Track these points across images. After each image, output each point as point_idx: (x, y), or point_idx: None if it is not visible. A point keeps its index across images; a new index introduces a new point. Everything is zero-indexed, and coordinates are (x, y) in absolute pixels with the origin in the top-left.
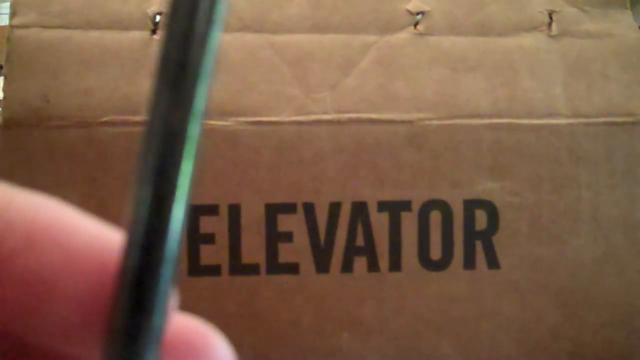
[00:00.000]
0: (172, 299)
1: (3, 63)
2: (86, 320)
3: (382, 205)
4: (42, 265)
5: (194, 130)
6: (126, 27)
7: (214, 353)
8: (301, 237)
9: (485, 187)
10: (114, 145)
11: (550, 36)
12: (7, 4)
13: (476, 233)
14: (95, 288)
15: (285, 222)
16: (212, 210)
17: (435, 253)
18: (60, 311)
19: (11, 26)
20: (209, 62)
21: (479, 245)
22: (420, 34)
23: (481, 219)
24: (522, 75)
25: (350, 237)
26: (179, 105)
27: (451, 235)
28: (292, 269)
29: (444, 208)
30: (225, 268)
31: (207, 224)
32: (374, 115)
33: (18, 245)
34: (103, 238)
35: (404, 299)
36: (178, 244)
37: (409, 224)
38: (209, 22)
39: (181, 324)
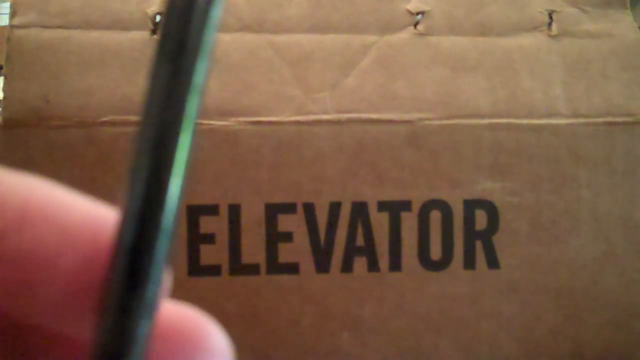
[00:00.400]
0: (167, 275)
1: (3, 63)
2: (80, 298)
3: (382, 205)
4: (35, 244)
5: (192, 104)
6: (126, 27)
7: (210, 342)
8: (301, 237)
9: (485, 187)
10: (114, 145)
11: (550, 36)
12: (7, 4)
13: (476, 233)
14: (90, 265)
15: (285, 222)
16: (212, 210)
17: (435, 253)
18: (54, 289)
19: (11, 26)
20: (209, 37)
21: (479, 245)
22: (420, 34)
23: (481, 219)
24: (522, 75)
25: (350, 237)
26: (178, 78)
27: (451, 235)
28: (292, 269)
29: (444, 208)
30: (225, 268)
31: (207, 224)
32: (374, 115)
33: (10, 224)
34: (97, 215)
35: (404, 299)
36: (175, 216)
37: (409, 224)
38: None
39: (176, 313)
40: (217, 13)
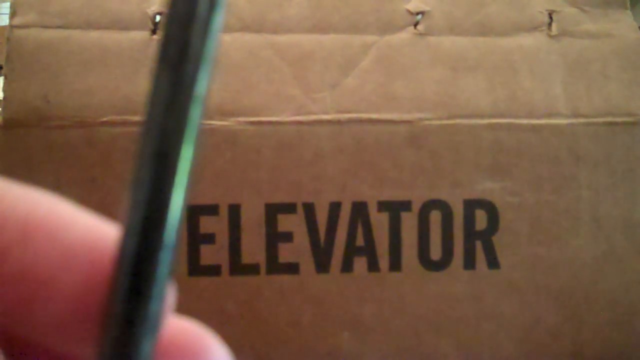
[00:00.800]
0: (170, 289)
1: (3, 63)
2: (81, 315)
3: (382, 205)
4: (37, 260)
5: (195, 114)
6: (126, 27)
7: (211, 356)
8: (301, 237)
9: (485, 187)
10: (114, 145)
11: (550, 36)
12: (7, 4)
13: (476, 233)
14: (91, 282)
15: (285, 222)
16: (212, 210)
17: (435, 253)
18: (55, 307)
19: (11, 26)
20: (211, 45)
21: (479, 245)
22: (420, 34)
23: (481, 219)
24: (522, 75)
25: (350, 237)
26: (180, 88)
27: (451, 235)
28: (292, 269)
29: (444, 208)
30: (225, 268)
31: (207, 224)
32: (374, 115)
33: (13, 240)
34: (99, 231)
35: (404, 299)
36: (177, 230)
37: (409, 224)
38: (212, 2)
39: (177, 326)
40: (219, 20)
